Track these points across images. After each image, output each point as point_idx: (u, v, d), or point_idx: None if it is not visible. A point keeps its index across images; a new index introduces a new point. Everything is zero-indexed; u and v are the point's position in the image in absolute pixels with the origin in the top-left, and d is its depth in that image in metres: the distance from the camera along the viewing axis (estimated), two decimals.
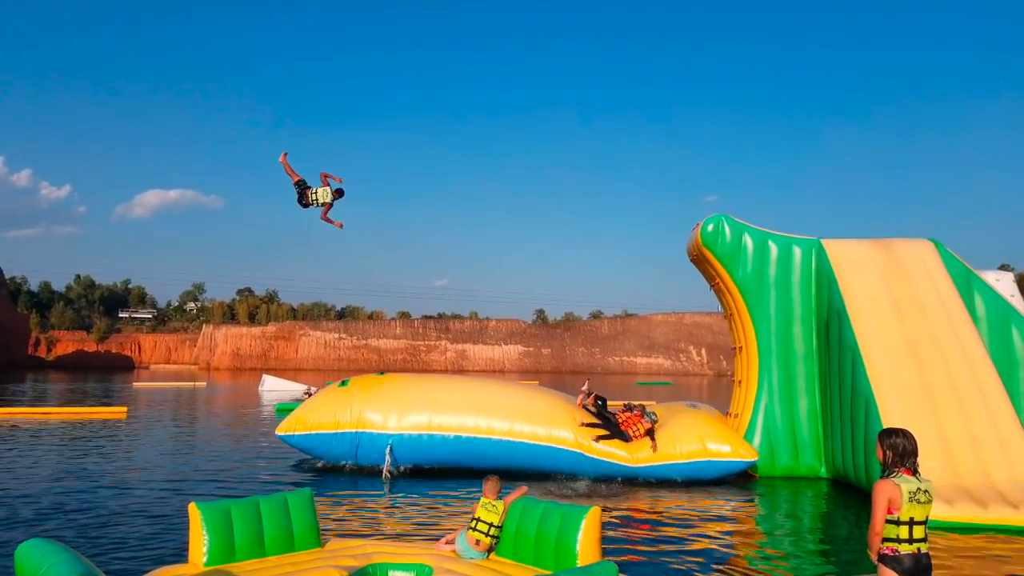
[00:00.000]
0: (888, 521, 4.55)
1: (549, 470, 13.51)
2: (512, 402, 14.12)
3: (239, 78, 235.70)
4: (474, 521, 6.60)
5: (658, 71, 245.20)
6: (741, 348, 15.18)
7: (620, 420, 13.66)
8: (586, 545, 6.02)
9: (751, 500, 12.36)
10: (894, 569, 4.56)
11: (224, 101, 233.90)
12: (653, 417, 13.60)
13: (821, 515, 11.54)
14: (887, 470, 4.65)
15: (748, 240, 14.60)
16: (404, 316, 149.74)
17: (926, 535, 4.59)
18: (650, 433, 13.29)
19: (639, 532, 9.64)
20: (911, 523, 4.56)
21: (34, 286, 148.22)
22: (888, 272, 13.73)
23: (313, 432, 13.99)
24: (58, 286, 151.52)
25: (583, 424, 13.51)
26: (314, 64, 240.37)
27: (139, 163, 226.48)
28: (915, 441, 4.72)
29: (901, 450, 4.64)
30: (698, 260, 15.58)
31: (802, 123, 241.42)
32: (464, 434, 13.55)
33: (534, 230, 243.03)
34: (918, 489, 4.58)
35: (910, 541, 4.57)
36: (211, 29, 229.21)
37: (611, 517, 10.12)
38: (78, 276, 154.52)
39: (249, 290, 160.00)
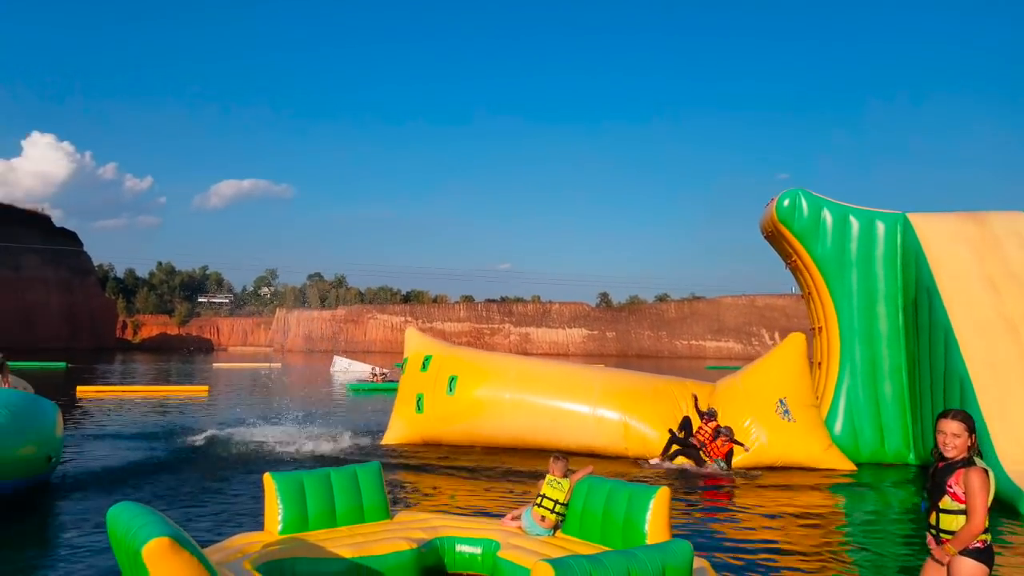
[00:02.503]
0: None
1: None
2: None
3: (309, 74, 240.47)
4: (540, 498, 6.61)
5: (731, 47, 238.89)
6: (820, 328, 14.65)
7: (701, 440, 12.58)
8: (655, 525, 5.90)
9: (831, 486, 11.88)
10: (983, 561, 4.22)
11: (292, 95, 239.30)
12: (728, 434, 12.53)
13: (908, 503, 11.03)
14: (968, 457, 4.24)
15: (827, 215, 14.03)
16: (467, 299, 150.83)
17: None
18: (728, 456, 12.42)
19: (708, 515, 9.42)
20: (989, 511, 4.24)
21: (120, 273, 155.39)
22: (981, 246, 13.01)
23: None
24: (142, 273, 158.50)
25: (671, 432, 12.84)
26: (376, 57, 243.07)
27: (214, 155, 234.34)
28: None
29: (974, 432, 4.28)
30: (773, 237, 15.07)
31: (881, 96, 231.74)
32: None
33: (597, 212, 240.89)
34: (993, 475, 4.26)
35: (988, 531, 4.25)
36: (281, 29, 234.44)
37: (679, 499, 9.93)
38: (160, 263, 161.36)
39: (319, 275, 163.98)
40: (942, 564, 4.33)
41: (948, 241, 13.11)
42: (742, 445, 12.29)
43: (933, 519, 4.37)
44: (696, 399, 13.04)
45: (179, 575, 3.97)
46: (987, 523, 4.20)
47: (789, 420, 12.47)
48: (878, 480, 12.22)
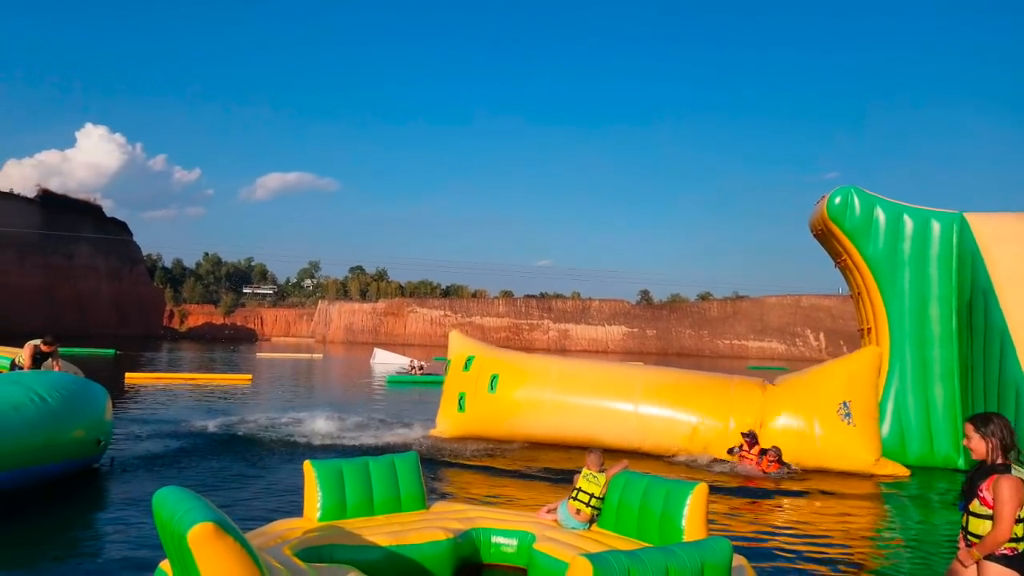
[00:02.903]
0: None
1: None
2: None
3: (354, 72, 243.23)
4: (575, 491, 6.61)
5: (777, 44, 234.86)
6: (869, 330, 14.28)
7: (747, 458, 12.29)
8: (692, 521, 5.80)
9: (876, 490, 11.55)
10: (1015, 568, 4.09)
11: (338, 91, 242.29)
12: (776, 454, 12.15)
13: (956, 514, 10.64)
14: (997, 462, 4.16)
15: (880, 213, 13.65)
16: (507, 295, 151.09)
17: None
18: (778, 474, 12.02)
19: (747, 513, 9.25)
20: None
21: (168, 263, 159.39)
22: None
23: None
24: (189, 263, 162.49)
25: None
26: (428, 55, 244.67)
27: (261, 148, 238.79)
28: (1010, 424, 4.26)
29: (1006, 436, 4.17)
30: (823, 236, 14.72)
31: (931, 94, 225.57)
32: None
33: (637, 209, 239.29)
34: None
35: (1023, 539, 4.12)
36: (329, 25, 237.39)
37: (717, 496, 9.75)
38: (206, 254, 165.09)
39: (360, 268, 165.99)
40: (965, 566, 4.25)
41: (1007, 242, 12.63)
42: (787, 466, 11.95)
43: (964, 521, 4.31)
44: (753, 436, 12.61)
45: (223, 559, 4.02)
46: (1022, 532, 4.10)
47: (849, 423, 12.20)
48: (926, 488, 11.82)
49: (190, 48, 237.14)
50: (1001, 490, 4.06)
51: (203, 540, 3.95)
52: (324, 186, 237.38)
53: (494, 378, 14.26)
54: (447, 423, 14.47)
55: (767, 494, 10.48)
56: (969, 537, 4.27)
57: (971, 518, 4.25)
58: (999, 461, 4.18)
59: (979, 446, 4.25)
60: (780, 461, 11.88)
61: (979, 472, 4.27)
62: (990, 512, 4.14)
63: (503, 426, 13.94)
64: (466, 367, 14.69)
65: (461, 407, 14.35)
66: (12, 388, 9.12)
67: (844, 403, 12.42)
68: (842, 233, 13.79)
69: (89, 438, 9.72)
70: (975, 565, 4.25)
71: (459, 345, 15.47)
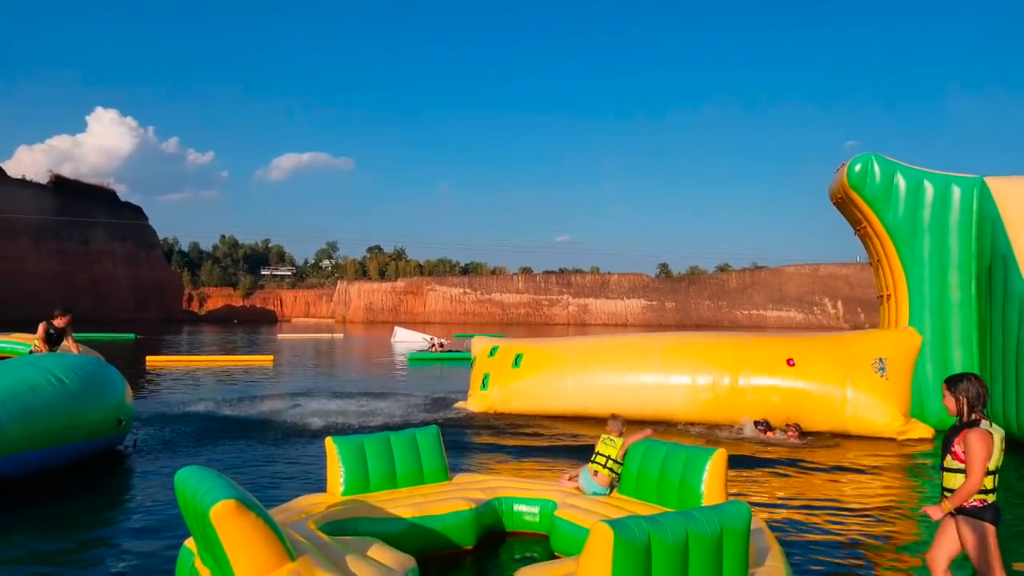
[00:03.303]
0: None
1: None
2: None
3: (368, 50, 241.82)
4: (594, 454, 6.75)
5: (790, 12, 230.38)
6: (889, 296, 14.15)
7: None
8: (711, 487, 5.85)
9: (897, 459, 11.48)
10: (986, 519, 4.34)
11: (349, 69, 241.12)
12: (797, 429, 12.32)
13: None
14: (968, 418, 4.40)
15: (900, 180, 13.47)
16: (526, 271, 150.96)
17: None
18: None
19: (765, 479, 9.27)
20: (996, 472, 4.38)
21: (184, 246, 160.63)
22: None
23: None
24: (206, 246, 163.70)
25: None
26: (434, 36, 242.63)
27: (275, 129, 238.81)
28: (984, 384, 4.52)
29: (976, 394, 4.42)
30: (843, 203, 14.54)
31: (952, 58, 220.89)
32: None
33: (656, 182, 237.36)
34: (1002, 436, 4.42)
35: (995, 491, 4.39)
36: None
37: (736, 464, 9.77)
38: (223, 236, 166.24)
39: (379, 247, 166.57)
40: (932, 519, 4.47)
41: None
42: (807, 437, 12.07)
43: (941, 478, 4.53)
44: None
45: (246, 535, 4.09)
46: (992, 484, 4.34)
47: (883, 376, 12.33)
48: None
49: (199, 29, 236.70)
50: (970, 443, 4.29)
51: (226, 517, 4.01)
52: (340, 165, 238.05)
53: (518, 356, 14.64)
54: (475, 400, 14.73)
55: (790, 463, 10.49)
56: (945, 493, 4.47)
57: (945, 474, 4.46)
58: (970, 418, 4.41)
59: (951, 404, 4.49)
60: (800, 434, 12.02)
61: (952, 430, 4.50)
62: (961, 466, 4.35)
63: (526, 397, 14.14)
64: (491, 354, 15.07)
65: (484, 385, 14.63)
66: (29, 370, 9.21)
67: (880, 359, 12.56)
68: (862, 200, 13.62)
69: (109, 419, 9.79)
70: (952, 520, 4.47)
71: (483, 343, 15.92)
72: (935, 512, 4.42)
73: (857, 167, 13.57)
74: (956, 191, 13.31)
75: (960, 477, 4.34)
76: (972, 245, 13.13)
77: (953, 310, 13.22)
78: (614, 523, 3.78)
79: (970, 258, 13.15)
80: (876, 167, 13.49)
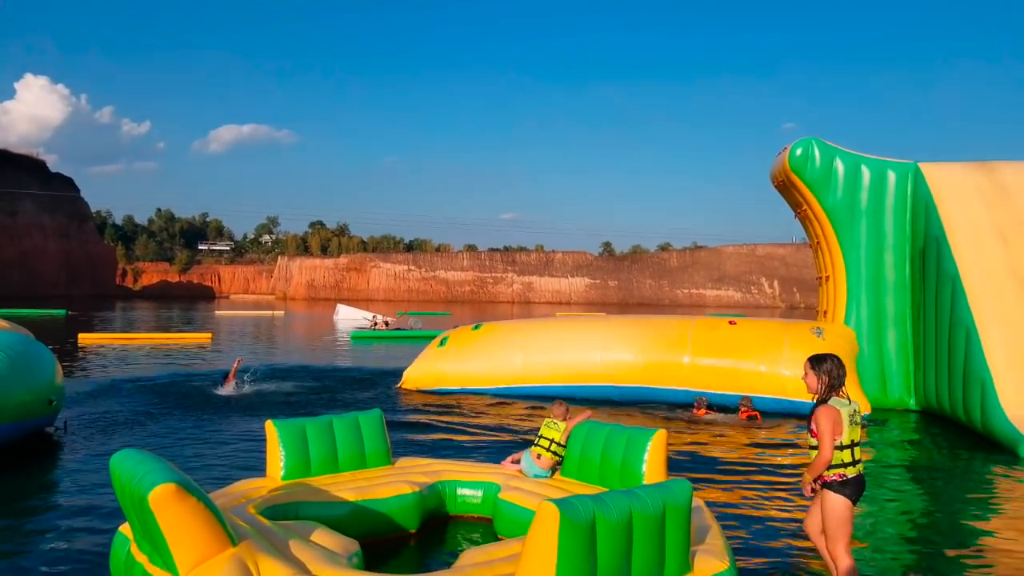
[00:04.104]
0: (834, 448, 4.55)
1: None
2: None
3: (309, 19, 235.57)
4: (537, 437, 6.76)
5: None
6: (828, 278, 14.55)
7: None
8: (652, 467, 5.92)
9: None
10: (843, 494, 4.57)
11: (293, 40, 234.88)
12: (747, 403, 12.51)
13: (910, 447, 11.05)
14: (822, 397, 4.62)
15: (839, 164, 13.80)
16: (471, 249, 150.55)
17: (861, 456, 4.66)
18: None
19: (705, 457, 9.45)
20: (852, 446, 4.59)
21: (118, 220, 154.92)
22: (992, 197, 12.75)
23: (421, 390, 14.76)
24: (141, 220, 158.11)
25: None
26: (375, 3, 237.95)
27: (214, 99, 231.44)
28: (844, 366, 4.72)
29: (837, 376, 4.62)
30: (784, 187, 14.84)
31: (887, 42, 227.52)
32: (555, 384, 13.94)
33: (600, 162, 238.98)
34: (854, 411, 4.62)
35: (854, 463, 4.60)
36: None
37: (677, 444, 9.95)
38: (159, 210, 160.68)
39: (321, 223, 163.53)
40: (805, 495, 4.78)
41: (959, 191, 12.85)
42: (756, 413, 12.29)
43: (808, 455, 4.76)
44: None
45: (186, 520, 3.97)
46: (851, 458, 4.57)
47: (820, 338, 12.82)
48: (879, 429, 12.16)
49: None
50: (818, 418, 4.55)
51: (165, 502, 3.90)
52: (281, 138, 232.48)
53: (478, 325, 15.79)
54: (422, 365, 15.09)
55: (727, 439, 10.71)
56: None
57: (810, 451, 4.69)
58: (825, 396, 4.62)
59: (811, 382, 4.69)
60: (750, 413, 12.16)
61: (810, 410, 4.72)
62: (816, 442, 4.60)
63: (482, 360, 14.59)
64: (441, 344, 15.47)
65: (442, 343, 15.33)
66: None
67: (817, 329, 13.25)
68: (803, 184, 13.92)
69: (39, 399, 9.41)
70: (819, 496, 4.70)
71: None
72: (804, 486, 4.71)
73: (798, 151, 13.84)
74: (891, 176, 13.70)
75: (836, 453, 4.55)
76: (907, 228, 13.56)
77: (888, 291, 13.67)
78: (560, 502, 3.77)
79: (904, 240, 13.59)
80: (816, 151, 13.78)
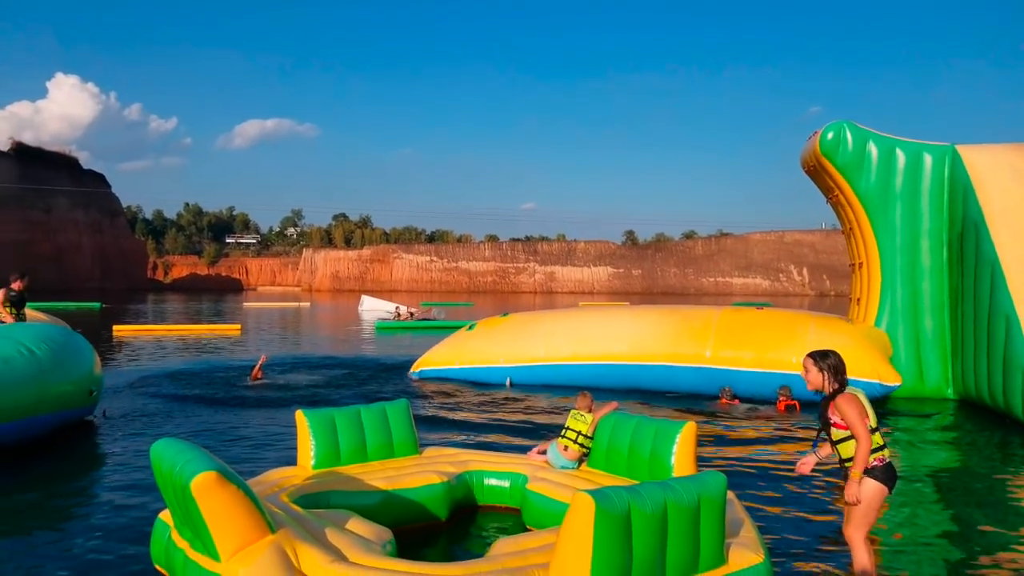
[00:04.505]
0: None
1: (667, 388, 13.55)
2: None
3: (331, 14, 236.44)
4: (564, 429, 6.71)
5: None
6: (861, 264, 14.25)
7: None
8: (681, 459, 5.83)
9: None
10: (880, 480, 4.44)
11: (314, 35, 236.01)
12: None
13: (948, 437, 10.81)
14: (835, 388, 4.51)
15: (872, 148, 13.47)
16: (492, 239, 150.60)
17: None
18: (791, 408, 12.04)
19: (736, 452, 9.24)
20: (878, 428, 4.51)
21: (148, 214, 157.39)
22: None
23: (441, 367, 15.00)
24: (170, 214, 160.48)
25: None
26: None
27: (237, 95, 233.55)
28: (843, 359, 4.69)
29: (841, 367, 4.57)
30: (815, 171, 14.54)
31: (917, 20, 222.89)
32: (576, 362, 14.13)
33: (622, 148, 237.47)
34: (865, 395, 4.56)
35: (885, 446, 4.52)
36: None
37: (706, 432, 9.81)
38: (187, 204, 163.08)
39: (344, 215, 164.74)
40: (853, 502, 4.48)
41: (998, 173, 12.47)
42: (795, 403, 12.00)
43: (835, 452, 4.59)
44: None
45: (227, 507, 4.04)
46: (881, 440, 4.47)
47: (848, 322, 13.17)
48: (918, 421, 11.90)
49: None
50: (842, 407, 4.40)
51: (207, 489, 3.99)
52: (304, 132, 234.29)
53: (505, 313, 16.21)
54: (446, 347, 15.34)
55: (762, 433, 10.56)
56: (845, 464, 4.53)
57: (838, 446, 4.52)
58: (835, 387, 4.52)
59: (816, 378, 4.59)
60: (788, 404, 11.89)
61: (823, 405, 4.60)
62: (847, 433, 4.43)
63: (509, 341, 14.82)
64: (470, 328, 15.95)
65: (472, 327, 15.87)
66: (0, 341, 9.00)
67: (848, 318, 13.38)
68: (834, 169, 13.62)
69: (80, 389, 9.66)
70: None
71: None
72: (852, 490, 4.41)
73: (829, 135, 13.54)
74: (928, 159, 13.36)
75: (852, 443, 4.41)
76: (944, 212, 13.22)
77: (925, 277, 13.32)
78: (595, 492, 3.73)
79: (942, 225, 13.24)
80: (848, 135, 13.48)
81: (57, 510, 6.55)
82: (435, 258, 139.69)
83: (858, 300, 14.38)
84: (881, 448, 4.46)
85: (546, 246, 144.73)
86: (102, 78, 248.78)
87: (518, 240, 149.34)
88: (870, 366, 12.08)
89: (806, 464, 4.77)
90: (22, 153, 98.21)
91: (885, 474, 4.45)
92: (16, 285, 11.06)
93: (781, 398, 12.04)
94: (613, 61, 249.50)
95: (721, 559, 4.20)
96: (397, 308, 38.92)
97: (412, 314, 36.27)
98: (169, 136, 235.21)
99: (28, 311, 11.42)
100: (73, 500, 6.88)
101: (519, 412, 11.81)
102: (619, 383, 13.54)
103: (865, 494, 4.44)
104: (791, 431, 10.49)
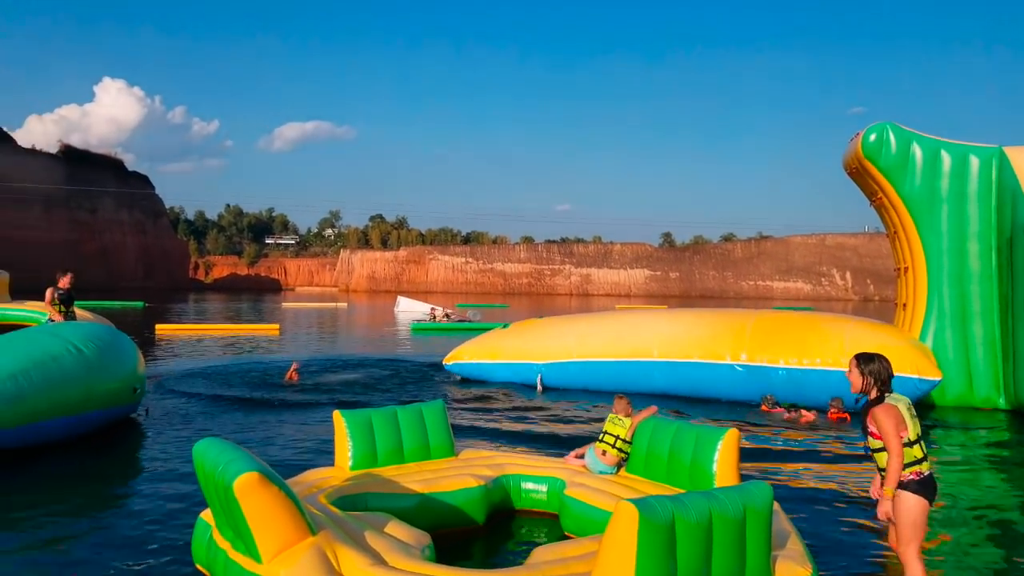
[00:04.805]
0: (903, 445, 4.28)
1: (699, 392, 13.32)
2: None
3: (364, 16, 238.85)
4: (602, 434, 6.63)
5: None
6: (907, 269, 13.91)
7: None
8: (723, 467, 5.71)
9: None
10: (920, 494, 4.30)
11: (351, 34, 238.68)
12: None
13: (999, 450, 10.45)
14: (876, 396, 4.39)
15: (917, 150, 13.15)
16: (528, 240, 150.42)
17: None
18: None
19: (778, 460, 9.05)
20: (919, 440, 4.35)
21: (190, 215, 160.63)
22: None
23: (474, 361, 15.09)
24: (211, 215, 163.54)
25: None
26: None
27: (278, 97, 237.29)
28: (891, 365, 4.52)
29: (886, 375, 4.42)
30: (857, 174, 14.24)
31: (960, 21, 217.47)
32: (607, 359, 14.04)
33: (659, 149, 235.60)
34: (909, 404, 4.41)
35: (925, 459, 4.36)
36: None
37: (746, 444, 9.61)
38: (228, 205, 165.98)
39: (381, 216, 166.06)
40: (885, 518, 4.42)
41: None
42: (847, 415, 11.66)
43: (874, 460, 4.50)
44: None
45: (269, 508, 4.07)
46: (922, 453, 4.33)
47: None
48: (966, 423, 11.56)
49: None
50: (878, 419, 4.30)
51: (249, 490, 4.02)
52: (342, 134, 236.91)
53: (542, 316, 16.51)
54: (478, 344, 15.37)
55: (801, 437, 10.36)
56: (881, 475, 4.45)
57: (875, 455, 4.44)
58: (873, 395, 4.41)
59: (856, 380, 4.49)
60: (843, 409, 11.57)
61: (863, 411, 4.48)
62: (881, 444, 4.35)
63: (544, 337, 14.91)
64: (505, 326, 16.51)
65: (505, 326, 16.40)
66: (49, 339, 9.29)
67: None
68: (878, 171, 13.33)
69: (125, 387, 9.89)
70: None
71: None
72: (883, 508, 4.36)
73: (872, 137, 13.25)
74: (974, 161, 13.01)
75: (885, 455, 4.32)
76: (992, 216, 12.85)
77: (973, 281, 12.95)
78: (638, 502, 3.67)
79: (990, 229, 12.87)
80: (892, 137, 13.18)
81: (100, 507, 6.67)
82: (471, 259, 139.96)
83: (904, 305, 14.04)
84: (920, 461, 4.34)
85: (582, 248, 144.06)
86: (148, 82, 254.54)
87: (553, 242, 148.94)
88: (909, 360, 11.78)
89: (877, 487, 4.56)
90: (70, 155, 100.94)
91: (923, 487, 4.32)
92: (63, 283, 11.32)
93: (832, 409, 11.72)
94: (647, 64, 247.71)
95: (767, 572, 4.10)
96: (433, 309, 39.03)
97: (448, 316, 36.37)
98: (211, 139, 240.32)
99: (76, 309, 11.70)
100: (116, 497, 7.01)
101: (553, 413, 11.77)
102: (652, 382, 13.40)
103: (905, 510, 4.31)
104: (834, 443, 10.27)
